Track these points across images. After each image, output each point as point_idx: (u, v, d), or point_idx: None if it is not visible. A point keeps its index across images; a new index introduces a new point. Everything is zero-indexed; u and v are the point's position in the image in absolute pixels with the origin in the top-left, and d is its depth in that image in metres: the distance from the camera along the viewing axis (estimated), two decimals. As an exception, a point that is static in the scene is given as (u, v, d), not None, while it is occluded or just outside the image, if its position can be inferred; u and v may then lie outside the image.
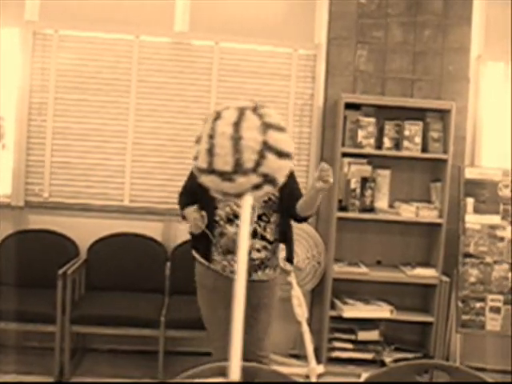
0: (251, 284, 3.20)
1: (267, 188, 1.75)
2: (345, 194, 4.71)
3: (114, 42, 4.78)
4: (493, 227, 4.61)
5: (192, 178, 3.36)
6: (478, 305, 4.59)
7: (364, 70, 4.86)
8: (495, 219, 4.61)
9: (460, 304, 4.60)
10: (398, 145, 4.69)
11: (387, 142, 4.68)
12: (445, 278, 4.66)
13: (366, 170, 4.73)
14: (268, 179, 1.71)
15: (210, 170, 1.72)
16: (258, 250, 3.21)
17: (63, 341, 4.17)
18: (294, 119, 4.88)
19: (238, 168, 1.67)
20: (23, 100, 4.70)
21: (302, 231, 4.64)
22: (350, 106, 4.67)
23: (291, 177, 3.26)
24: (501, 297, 4.59)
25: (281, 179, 1.77)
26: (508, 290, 4.58)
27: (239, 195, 1.75)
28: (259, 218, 3.19)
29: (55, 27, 4.72)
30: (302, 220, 3.31)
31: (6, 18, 4.67)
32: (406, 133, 4.64)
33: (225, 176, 1.70)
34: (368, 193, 4.68)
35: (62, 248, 4.67)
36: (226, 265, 3.23)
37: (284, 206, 3.25)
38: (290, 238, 3.37)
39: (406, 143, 4.64)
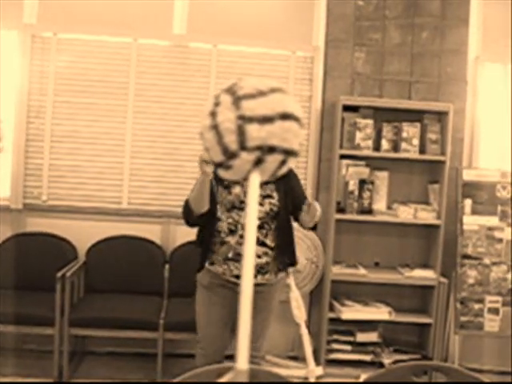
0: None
1: (273, 158, 1.62)
2: (343, 196, 4.72)
3: (112, 45, 4.79)
4: (491, 228, 4.62)
5: None
6: (477, 306, 4.60)
7: (362, 72, 4.87)
8: (493, 220, 4.62)
9: (458, 305, 4.61)
10: (395, 146, 4.69)
11: (385, 144, 4.69)
12: (443, 280, 4.67)
13: (364, 171, 4.73)
14: (266, 149, 1.60)
15: (214, 164, 1.71)
16: (259, 256, 3.21)
17: (62, 343, 4.16)
18: (292, 121, 4.88)
19: (227, 154, 1.61)
20: (22, 103, 4.71)
21: (300, 233, 4.65)
22: (347, 108, 4.68)
23: (292, 181, 3.28)
24: (499, 298, 4.59)
25: (285, 143, 1.62)
26: (506, 292, 4.58)
27: (246, 178, 1.67)
28: (260, 227, 3.19)
29: (54, 30, 4.73)
30: (308, 229, 3.35)
31: (4, 21, 4.68)
32: (404, 135, 4.65)
33: (223, 166, 1.66)
34: (366, 194, 4.68)
35: (61, 251, 4.67)
36: (225, 268, 3.24)
37: (291, 212, 3.29)
38: (291, 242, 3.38)
39: (403, 145, 4.65)
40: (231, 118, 1.60)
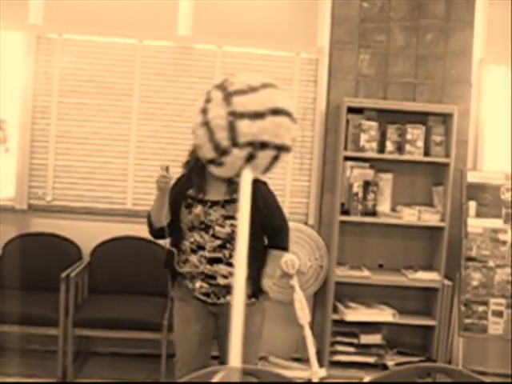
0: (221, 307, 3.12)
1: (265, 153, 1.60)
2: (347, 198, 4.72)
3: (117, 46, 4.80)
4: (495, 231, 4.61)
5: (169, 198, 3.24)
6: (481, 308, 4.59)
7: (366, 74, 4.87)
8: (497, 223, 4.61)
9: (462, 308, 4.60)
10: (400, 148, 4.70)
11: (389, 146, 4.69)
12: (447, 282, 4.66)
13: (369, 173, 4.73)
14: (257, 145, 1.57)
15: (206, 161, 1.70)
16: (225, 277, 3.12)
17: (66, 344, 4.18)
18: (297, 123, 4.88)
19: (218, 151, 1.59)
20: (27, 103, 4.73)
21: (304, 235, 4.66)
22: (352, 110, 4.68)
23: (261, 203, 3.11)
24: (503, 300, 4.58)
25: (276, 138, 1.59)
26: (510, 294, 4.57)
27: (238, 175, 1.63)
28: (223, 246, 3.11)
29: (59, 31, 4.74)
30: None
31: (9, 22, 4.69)
32: (409, 136, 4.65)
33: (215, 163, 1.64)
34: (370, 196, 4.68)
35: (65, 251, 4.68)
36: (195, 286, 3.18)
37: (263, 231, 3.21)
38: (258, 266, 3.20)
39: (408, 147, 4.65)
40: (222, 114, 1.58)
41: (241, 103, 1.59)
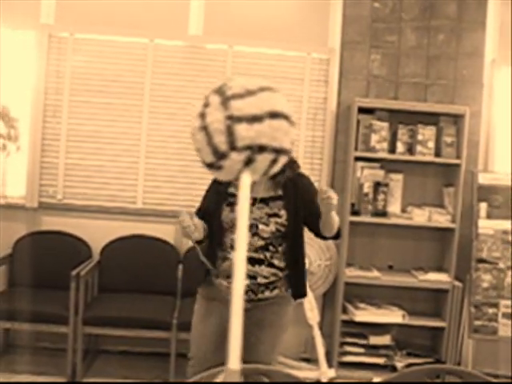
0: (257, 303, 3.01)
1: (263, 157, 1.61)
2: (357, 198, 4.71)
3: (128, 46, 4.81)
4: (506, 232, 4.59)
5: (205, 198, 3.23)
6: (491, 310, 4.57)
7: (377, 75, 4.86)
8: (508, 224, 4.59)
9: (472, 309, 4.58)
10: (411, 149, 4.68)
11: (400, 147, 4.68)
12: (457, 283, 4.65)
13: (379, 174, 4.72)
14: (255, 149, 1.59)
15: (205, 165, 1.71)
16: (266, 277, 3.01)
17: (76, 342, 4.19)
18: (307, 123, 4.89)
19: (217, 155, 1.61)
20: (38, 102, 4.74)
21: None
22: (363, 111, 4.67)
23: (302, 190, 3.05)
24: (514, 302, 4.57)
25: (274, 142, 1.61)
26: (521, 296, 4.56)
27: (237, 178, 1.66)
28: (266, 248, 2.99)
29: (70, 30, 4.76)
30: (331, 238, 3.08)
31: (22, 21, 4.72)
32: (420, 137, 4.64)
33: (214, 167, 1.66)
34: (381, 197, 4.67)
35: (75, 249, 4.69)
36: (230, 282, 3.08)
37: (308, 225, 3.06)
38: (301, 267, 3.13)
39: (419, 148, 4.64)
40: (220, 118, 1.60)
41: (238, 107, 1.60)
